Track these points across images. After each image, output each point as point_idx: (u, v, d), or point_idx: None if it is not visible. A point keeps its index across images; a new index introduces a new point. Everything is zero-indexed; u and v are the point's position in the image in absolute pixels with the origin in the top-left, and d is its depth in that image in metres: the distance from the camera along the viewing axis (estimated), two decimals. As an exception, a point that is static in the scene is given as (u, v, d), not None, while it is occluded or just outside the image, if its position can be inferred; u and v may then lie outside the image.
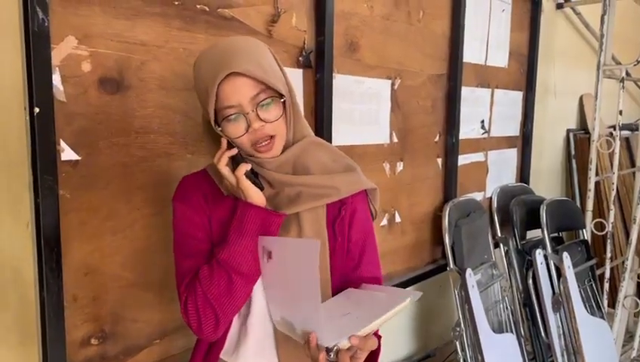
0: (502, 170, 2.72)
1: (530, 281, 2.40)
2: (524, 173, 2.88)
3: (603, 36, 2.61)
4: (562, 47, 3.13)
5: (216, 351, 1.08)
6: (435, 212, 2.27)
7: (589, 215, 2.75)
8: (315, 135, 1.10)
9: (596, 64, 2.66)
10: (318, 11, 1.62)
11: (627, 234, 2.94)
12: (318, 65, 1.64)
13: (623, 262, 2.71)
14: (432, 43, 2.14)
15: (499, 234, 2.54)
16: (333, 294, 1.05)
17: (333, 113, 1.68)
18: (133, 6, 1.20)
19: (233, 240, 0.98)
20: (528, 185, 2.87)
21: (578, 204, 3.18)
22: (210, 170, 1.07)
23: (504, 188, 2.68)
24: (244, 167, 0.98)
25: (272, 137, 0.98)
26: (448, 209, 2.20)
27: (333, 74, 1.68)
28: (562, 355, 2.34)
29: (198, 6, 1.32)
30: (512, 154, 2.80)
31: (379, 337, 1.00)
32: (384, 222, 2.02)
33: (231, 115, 0.95)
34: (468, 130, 2.41)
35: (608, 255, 2.73)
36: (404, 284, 2.10)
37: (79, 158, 1.14)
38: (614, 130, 2.70)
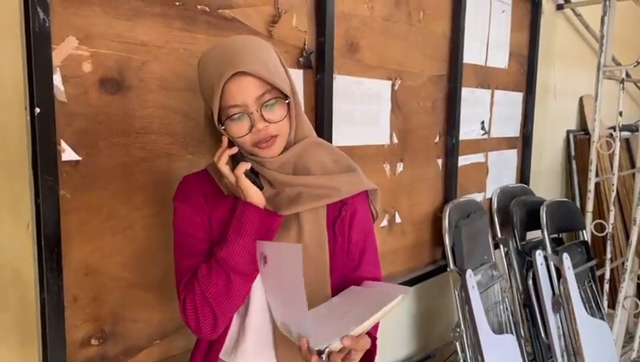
0: (502, 170, 2.72)
1: (530, 282, 2.40)
2: (524, 174, 2.88)
3: (603, 37, 2.62)
4: (562, 48, 3.13)
5: (215, 351, 1.08)
6: (435, 213, 2.27)
7: (589, 216, 2.75)
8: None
9: (596, 65, 2.66)
10: (319, 12, 1.62)
11: (627, 235, 2.94)
12: (319, 66, 1.64)
13: (623, 263, 2.71)
14: (433, 44, 2.14)
15: (499, 235, 2.54)
16: (334, 294, 1.05)
17: (334, 114, 1.68)
18: (134, 6, 1.20)
19: (232, 239, 0.98)
20: (528, 186, 2.87)
21: (578, 205, 3.18)
22: (211, 169, 1.07)
23: (504, 189, 2.68)
24: (244, 166, 0.98)
25: (274, 137, 0.98)
26: (448, 210, 2.20)
27: (334, 74, 1.68)
28: (562, 356, 2.34)
29: (199, 6, 1.32)
30: (512, 155, 2.80)
31: (374, 339, 1.01)
32: (384, 222, 2.02)
33: (235, 114, 0.95)
34: (468, 130, 2.41)
35: (608, 256, 2.73)
36: (404, 285, 2.10)
37: (80, 158, 1.14)
38: (614, 131, 2.70)
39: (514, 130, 2.79)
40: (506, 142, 2.74)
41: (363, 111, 1.86)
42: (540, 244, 2.45)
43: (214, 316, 0.98)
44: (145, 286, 1.29)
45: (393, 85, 1.97)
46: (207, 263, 0.99)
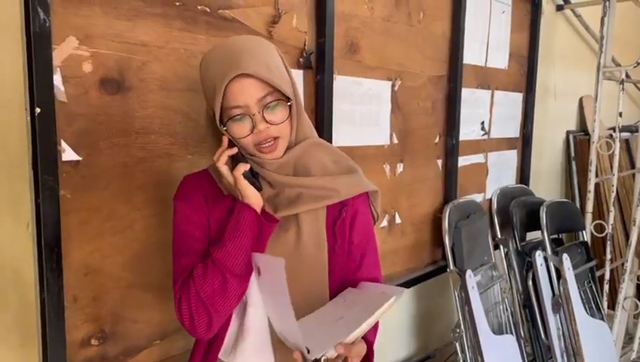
0: (502, 171, 2.72)
1: (530, 283, 2.40)
2: (524, 174, 2.88)
3: (603, 38, 2.62)
4: (562, 49, 3.13)
5: (214, 351, 1.08)
6: (435, 213, 2.27)
7: (588, 216, 2.75)
8: (316, 136, 1.11)
9: (596, 66, 2.66)
10: (319, 12, 1.63)
11: (627, 236, 2.94)
12: (319, 67, 1.64)
13: (623, 264, 2.71)
14: (433, 44, 2.14)
15: (499, 236, 2.54)
16: (333, 296, 1.05)
17: (334, 114, 1.68)
18: (134, 7, 1.20)
19: (228, 240, 0.98)
20: (528, 186, 2.87)
21: (578, 205, 3.18)
22: (212, 169, 1.08)
23: (504, 189, 2.69)
24: (243, 167, 0.99)
25: (275, 138, 0.99)
26: (448, 210, 2.20)
27: (334, 75, 1.68)
28: (562, 357, 2.34)
29: (199, 7, 1.32)
30: (511, 156, 2.80)
31: (370, 343, 1.01)
32: (384, 223, 2.02)
33: (237, 115, 0.95)
34: (468, 131, 2.41)
35: (608, 256, 2.73)
36: (404, 285, 2.10)
37: (80, 159, 1.14)
38: (614, 131, 2.70)
39: (514, 130, 2.79)
40: (506, 143, 2.74)
41: (363, 111, 1.86)
42: (539, 245, 2.45)
43: (209, 316, 0.98)
44: (145, 287, 1.29)
45: (393, 86, 1.97)
46: (203, 263, 1.00)
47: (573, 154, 3.34)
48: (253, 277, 1.02)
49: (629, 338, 2.99)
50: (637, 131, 3.35)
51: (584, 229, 2.71)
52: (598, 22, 2.65)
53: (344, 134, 1.77)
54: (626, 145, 3.47)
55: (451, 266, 2.15)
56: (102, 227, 1.20)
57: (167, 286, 1.30)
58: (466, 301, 2.02)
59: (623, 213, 3.34)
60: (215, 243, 1.01)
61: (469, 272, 2.05)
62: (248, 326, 1.06)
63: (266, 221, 0.99)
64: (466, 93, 2.32)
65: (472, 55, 2.35)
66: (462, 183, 2.39)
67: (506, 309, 2.35)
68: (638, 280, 2.92)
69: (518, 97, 2.79)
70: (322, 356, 0.88)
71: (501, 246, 2.49)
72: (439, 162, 2.28)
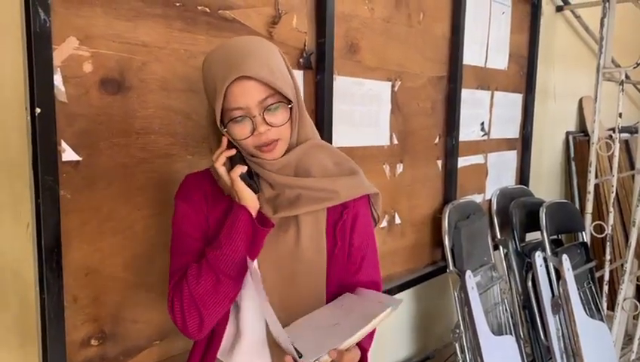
0: (501, 172, 2.72)
1: (530, 283, 2.40)
2: (523, 175, 2.88)
3: (603, 39, 2.62)
4: (562, 50, 3.14)
5: (213, 351, 1.09)
6: (435, 214, 2.27)
7: (588, 217, 2.75)
8: (317, 137, 1.11)
9: (596, 67, 2.66)
10: (319, 13, 1.63)
11: (626, 237, 2.94)
12: (319, 67, 1.64)
13: (622, 265, 2.71)
14: (433, 45, 2.15)
15: (498, 237, 2.54)
16: (332, 298, 1.06)
17: (334, 115, 1.68)
18: (135, 7, 1.20)
19: (224, 241, 0.98)
20: (528, 187, 2.87)
21: (577, 206, 3.18)
22: (213, 168, 1.08)
23: (504, 190, 2.69)
24: (240, 169, 0.99)
25: (275, 141, 0.99)
26: (448, 211, 2.20)
27: (334, 75, 1.68)
28: (561, 357, 2.34)
29: (199, 7, 1.32)
30: (511, 157, 2.80)
31: (365, 351, 1.01)
32: (384, 223, 2.02)
33: (237, 116, 0.96)
34: (468, 132, 2.41)
35: (608, 257, 2.73)
36: (403, 286, 2.11)
37: (80, 159, 1.14)
38: (614, 132, 2.70)
39: (513, 131, 2.79)
40: (506, 144, 2.74)
41: (363, 112, 1.86)
42: (539, 246, 2.45)
43: (200, 316, 0.99)
44: (145, 287, 1.29)
45: (393, 86, 1.98)
46: (198, 263, 1.00)
47: (572, 155, 3.34)
48: (250, 279, 1.02)
49: (628, 339, 2.99)
50: (636, 132, 3.35)
51: (584, 230, 2.72)
52: (598, 23, 2.65)
53: (344, 135, 1.77)
54: (626, 146, 3.47)
55: (451, 267, 2.15)
56: (102, 227, 1.20)
57: (167, 287, 1.30)
58: (465, 301, 2.03)
59: (622, 214, 3.35)
60: (211, 244, 1.01)
61: (468, 273, 2.05)
62: (245, 327, 1.06)
63: (259, 225, 0.99)
64: (465, 93, 2.32)
65: (471, 56, 2.35)
66: (462, 184, 2.39)
67: (506, 310, 2.35)
68: (637, 281, 2.92)
69: (518, 98, 2.79)
70: (315, 360, 0.88)
71: (501, 247, 2.49)
72: (439, 163, 2.28)
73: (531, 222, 2.51)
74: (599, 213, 3.13)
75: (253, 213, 1.00)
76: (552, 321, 2.32)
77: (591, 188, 2.72)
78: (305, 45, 1.61)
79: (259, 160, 1.01)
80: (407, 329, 2.33)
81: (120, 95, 1.20)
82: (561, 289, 2.32)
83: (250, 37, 1.12)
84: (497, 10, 2.51)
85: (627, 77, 2.78)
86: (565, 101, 3.29)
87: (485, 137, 2.56)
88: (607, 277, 2.72)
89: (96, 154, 1.17)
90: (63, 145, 1.11)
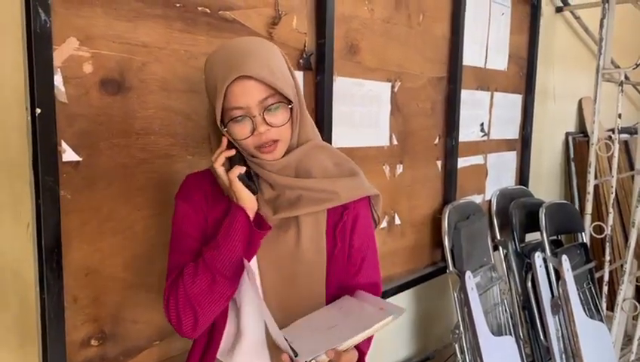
0: (501, 172, 2.72)
1: (530, 284, 2.40)
2: (523, 175, 2.88)
3: (602, 40, 2.62)
4: (561, 51, 3.14)
5: (212, 351, 1.09)
6: (435, 214, 2.28)
7: (587, 218, 2.75)
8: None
9: (595, 68, 2.67)
10: (319, 14, 1.63)
11: (626, 238, 2.95)
12: (319, 68, 1.64)
13: (622, 265, 2.71)
14: (432, 46, 2.15)
15: (498, 237, 2.54)
16: (331, 300, 1.06)
17: (333, 115, 1.68)
18: (135, 8, 1.20)
19: (221, 241, 0.99)
20: (527, 188, 2.87)
21: (577, 207, 3.18)
22: (212, 169, 1.08)
23: (503, 190, 2.69)
24: (238, 170, 0.99)
25: (275, 141, 0.99)
26: (448, 211, 2.20)
27: (334, 76, 1.68)
28: (561, 358, 2.34)
29: (199, 8, 1.32)
30: (511, 157, 2.81)
31: (362, 354, 1.01)
32: (384, 224, 2.02)
33: (238, 116, 0.96)
34: (467, 132, 2.41)
35: (607, 258, 2.73)
36: (403, 286, 2.11)
37: (80, 159, 1.14)
38: (613, 133, 2.71)
39: (513, 132, 2.79)
40: (506, 144, 2.74)
41: (363, 112, 1.86)
42: (539, 246, 2.45)
43: (195, 315, 0.99)
44: (145, 287, 1.29)
45: (393, 87, 1.98)
46: (194, 262, 1.00)
47: (572, 155, 3.34)
48: (247, 279, 1.02)
49: (627, 339, 2.99)
50: (636, 133, 3.35)
51: (583, 231, 2.72)
52: (598, 24, 2.65)
53: (344, 135, 1.77)
54: (625, 146, 3.47)
55: (451, 267, 2.15)
56: (102, 228, 1.20)
57: (167, 287, 1.30)
58: (465, 302, 2.03)
59: (622, 215, 3.35)
60: (208, 243, 1.01)
61: (468, 273, 2.05)
62: (244, 327, 1.06)
63: (256, 227, 0.99)
64: (465, 94, 2.33)
65: (471, 56, 2.36)
66: (461, 184, 2.39)
67: (505, 310, 2.35)
68: (637, 281, 2.93)
69: (518, 99, 2.79)
70: (312, 359, 0.88)
71: (500, 248, 2.49)
72: (439, 163, 2.28)
73: (531, 223, 2.52)
74: (599, 214, 3.13)
75: (251, 215, 1.00)
76: (552, 322, 2.32)
77: (590, 188, 2.72)
78: (305, 46, 1.61)
79: (259, 160, 1.01)
80: (406, 330, 2.33)
81: (120, 95, 1.20)
82: (560, 290, 2.32)
83: (251, 37, 1.13)
84: (497, 11, 2.51)
85: (626, 78, 2.78)
86: (565, 102, 3.29)
87: (485, 138, 2.56)
88: (606, 278, 2.72)
89: (96, 154, 1.17)
90: (64, 145, 1.11)
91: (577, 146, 3.33)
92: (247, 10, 1.43)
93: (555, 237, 2.59)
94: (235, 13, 1.40)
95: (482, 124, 2.53)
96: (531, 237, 2.59)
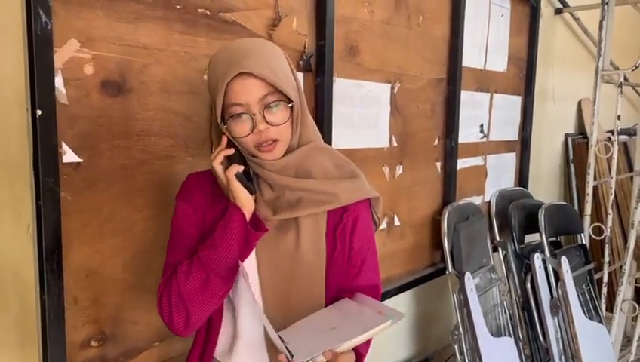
0: (500, 174, 2.73)
1: (529, 285, 2.41)
2: (522, 177, 2.89)
3: (601, 41, 2.63)
4: (561, 52, 3.14)
5: (210, 352, 1.09)
6: (434, 215, 2.28)
7: (587, 219, 2.75)
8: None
9: (594, 69, 2.67)
10: (319, 16, 1.63)
11: (625, 239, 2.95)
12: (319, 69, 1.65)
13: (621, 267, 2.72)
14: (432, 47, 2.15)
15: (497, 238, 2.54)
16: (331, 301, 1.06)
17: (333, 117, 1.68)
18: (135, 10, 1.20)
19: (217, 239, 0.99)
20: (527, 189, 2.87)
21: (576, 208, 3.18)
22: (212, 168, 1.08)
23: (503, 192, 2.69)
24: (235, 168, 0.99)
25: (274, 141, 0.99)
26: (447, 213, 2.21)
27: (334, 78, 1.68)
28: (560, 359, 2.34)
29: (200, 10, 1.32)
30: (510, 159, 2.81)
31: (361, 356, 1.01)
32: (383, 225, 2.03)
33: (237, 113, 0.96)
34: (467, 134, 2.42)
35: (606, 259, 2.74)
36: (402, 287, 2.11)
37: (81, 161, 1.15)
38: (612, 134, 2.71)
39: (513, 133, 2.80)
40: (505, 146, 2.75)
41: (362, 114, 1.87)
42: (538, 247, 2.45)
43: (187, 313, 0.99)
44: (145, 288, 1.29)
45: (393, 88, 1.98)
46: (189, 259, 1.00)
47: (571, 157, 3.35)
48: (242, 280, 1.02)
49: (627, 340, 2.99)
50: (635, 134, 3.35)
51: (582, 232, 2.72)
52: (597, 25, 2.66)
53: (343, 137, 1.78)
54: (624, 148, 3.48)
55: (450, 268, 2.15)
56: (102, 229, 1.20)
57: (167, 288, 1.30)
58: (464, 303, 2.03)
59: (621, 216, 3.35)
60: (204, 242, 1.01)
61: (467, 274, 2.05)
62: (242, 328, 1.06)
63: (252, 228, 0.99)
64: (465, 95, 2.33)
65: (471, 58, 2.36)
66: (461, 186, 2.40)
67: (505, 311, 2.35)
68: (636, 282, 2.93)
69: (517, 100, 2.79)
70: (309, 360, 0.88)
71: (500, 249, 2.49)
72: (438, 165, 2.28)
73: (530, 224, 2.52)
74: (598, 215, 3.14)
75: (247, 215, 1.00)
76: (551, 323, 2.33)
77: (590, 190, 2.73)
78: (305, 48, 1.62)
79: (259, 160, 1.02)
80: (406, 331, 2.33)
81: (120, 97, 1.20)
82: (559, 291, 2.32)
83: (254, 38, 1.14)
84: (496, 13, 2.51)
85: (626, 79, 2.79)
86: (564, 103, 3.30)
87: (484, 139, 2.57)
88: (605, 279, 2.72)
89: (96, 155, 1.17)
90: (64, 146, 1.12)
91: (577, 148, 3.34)
92: (247, 11, 1.43)
93: (554, 239, 2.60)
94: (235, 14, 1.40)
95: (482, 126, 2.53)
96: (530, 238, 2.59)
